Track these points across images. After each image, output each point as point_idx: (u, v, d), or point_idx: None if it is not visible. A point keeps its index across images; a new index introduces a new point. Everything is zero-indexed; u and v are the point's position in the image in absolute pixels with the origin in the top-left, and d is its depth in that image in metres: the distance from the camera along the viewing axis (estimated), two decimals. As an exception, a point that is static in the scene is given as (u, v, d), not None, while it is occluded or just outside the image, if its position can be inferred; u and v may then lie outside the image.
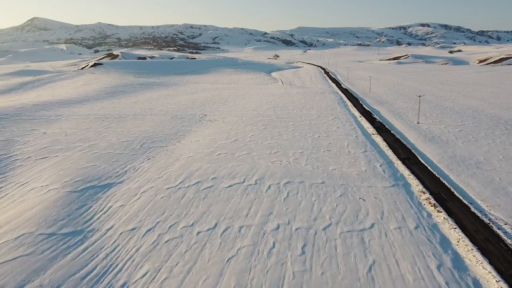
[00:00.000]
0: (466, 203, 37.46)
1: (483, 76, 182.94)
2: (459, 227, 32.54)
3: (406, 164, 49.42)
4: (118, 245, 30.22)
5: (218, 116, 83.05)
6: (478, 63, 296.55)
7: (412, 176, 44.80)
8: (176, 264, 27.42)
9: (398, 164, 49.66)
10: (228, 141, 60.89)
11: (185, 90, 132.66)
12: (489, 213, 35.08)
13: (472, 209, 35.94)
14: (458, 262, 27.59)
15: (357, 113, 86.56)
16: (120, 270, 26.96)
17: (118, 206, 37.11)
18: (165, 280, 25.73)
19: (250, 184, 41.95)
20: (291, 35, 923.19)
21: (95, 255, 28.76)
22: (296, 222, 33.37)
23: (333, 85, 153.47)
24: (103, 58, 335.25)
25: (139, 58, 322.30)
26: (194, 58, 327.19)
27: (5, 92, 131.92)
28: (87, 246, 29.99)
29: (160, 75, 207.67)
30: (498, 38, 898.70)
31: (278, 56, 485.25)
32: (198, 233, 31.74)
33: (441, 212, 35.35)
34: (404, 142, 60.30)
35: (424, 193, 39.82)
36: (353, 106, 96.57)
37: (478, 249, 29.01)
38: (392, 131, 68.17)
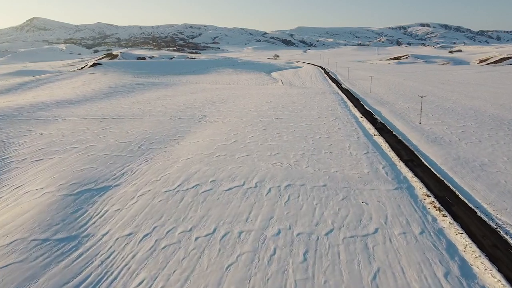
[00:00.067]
0: (472, 207, 36.49)
1: (484, 76, 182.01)
2: (465, 232, 31.58)
3: (409, 166, 48.47)
4: (114, 251, 29.23)
5: (217, 117, 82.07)
6: (479, 63, 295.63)
7: (415, 179, 43.84)
8: (174, 272, 26.44)
9: (401, 166, 48.70)
10: (227, 142, 59.91)
11: (184, 90, 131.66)
12: (496, 217, 34.11)
13: (478, 213, 34.97)
14: (465, 269, 26.61)
15: (358, 114, 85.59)
16: (115, 278, 25.97)
17: (114, 210, 36.12)
18: (161, 289, 24.75)
19: (250, 187, 40.96)
20: (291, 35, 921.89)
21: (89, 262, 27.77)
22: (298, 227, 32.39)
23: (334, 85, 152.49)
24: (102, 58, 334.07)
25: (139, 58, 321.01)
26: (194, 58, 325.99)
27: (3, 93, 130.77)
28: (82, 253, 28.99)
29: (159, 75, 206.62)
30: (498, 38, 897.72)
31: (278, 56, 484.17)
32: (196, 238, 30.75)
33: (446, 216, 34.38)
34: (407, 144, 59.33)
35: (428, 196, 38.86)
36: (354, 107, 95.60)
37: (486, 255, 28.04)
38: (394, 132, 67.22)
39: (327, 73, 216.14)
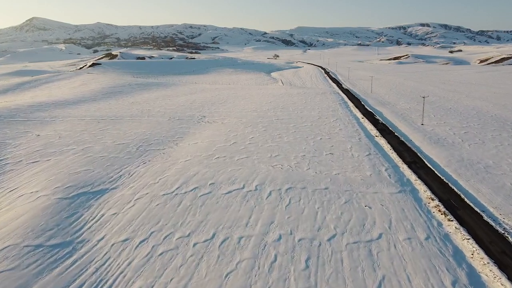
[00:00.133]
0: (478, 210, 35.52)
1: (485, 76, 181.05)
2: (472, 237, 30.60)
3: (412, 168, 47.48)
4: (109, 258, 28.23)
5: (217, 118, 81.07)
6: (479, 63, 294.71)
7: (419, 181, 42.86)
8: (171, 280, 25.45)
9: (404, 168, 47.73)
10: (227, 143, 58.93)
11: (184, 91, 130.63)
12: (503, 222, 33.16)
13: (485, 218, 34.00)
14: (474, 277, 25.64)
15: (359, 114, 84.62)
16: (110, 286, 24.98)
17: (110, 214, 35.12)
18: (158, 298, 23.78)
19: (250, 190, 39.98)
20: (291, 35, 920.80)
21: (84, 270, 26.78)
22: (299, 232, 31.41)
23: (334, 85, 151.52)
24: (101, 58, 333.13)
25: (138, 58, 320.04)
26: (194, 58, 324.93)
27: (1, 93, 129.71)
28: (76, 259, 28.00)
29: (158, 75, 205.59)
30: (498, 38, 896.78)
31: (277, 56, 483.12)
32: (194, 244, 29.76)
33: (452, 221, 33.41)
34: (409, 145, 58.36)
35: (433, 199, 37.88)
36: (355, 107, 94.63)
37: (494, 262, 27.06)
38: (396, 133, 66.24)
39: (327, 73, 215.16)
